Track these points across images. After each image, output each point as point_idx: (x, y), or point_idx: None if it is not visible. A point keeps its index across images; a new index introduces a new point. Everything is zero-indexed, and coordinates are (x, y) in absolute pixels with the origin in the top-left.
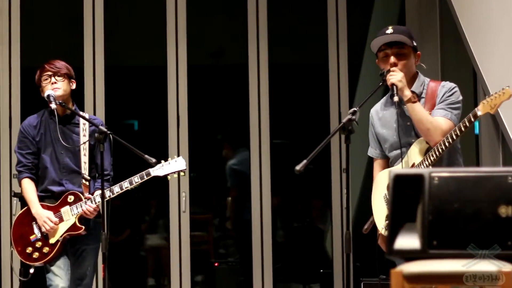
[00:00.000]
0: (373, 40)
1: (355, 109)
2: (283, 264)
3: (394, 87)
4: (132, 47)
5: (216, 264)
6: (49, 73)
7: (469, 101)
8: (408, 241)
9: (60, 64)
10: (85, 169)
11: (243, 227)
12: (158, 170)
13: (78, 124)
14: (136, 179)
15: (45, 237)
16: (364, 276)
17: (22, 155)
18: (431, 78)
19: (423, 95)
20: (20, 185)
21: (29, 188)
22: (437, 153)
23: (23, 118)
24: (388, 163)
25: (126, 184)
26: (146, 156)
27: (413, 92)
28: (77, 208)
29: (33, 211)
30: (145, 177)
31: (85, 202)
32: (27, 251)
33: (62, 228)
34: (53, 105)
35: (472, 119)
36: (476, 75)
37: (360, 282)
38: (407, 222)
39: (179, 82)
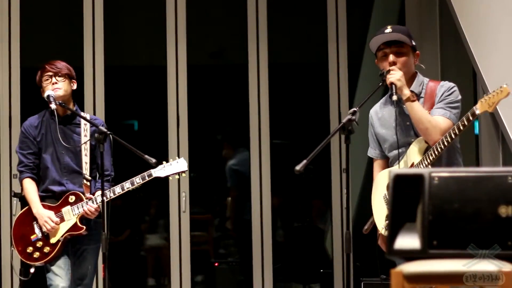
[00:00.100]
0: (372, 40)
1: (355, 109)
2: (283, 264)
3: (393, 86)
4: (132, 47)
5: (216, 264)
6: (50, 73)
7: (468, 100)
8: (408, 241)
9: (61, 65)
10: (86, 169)
11: (243, 227)
12: (160, 171)
13: (79, 124)
14: (138, 180)
15: (46, 237)
16: (364, 276)
17: (23, 155)
18: (430, 78)
19: (422, 94)
20: (21, 185)
21: (30, 188)
22: (436, 152)
23: (23, 118)
24: (388, 163)
25: (127, 185)
26: (146, 156)
27: (412, 91)
28: (78, 208)
29: (34, 211)
30: (146, 178)
31: (86, 203)
32: (28, 250)
33: (63, 228)
34: (53, 106)
35: (471, 118)
36: (475, 74)
37: (360, 282)
38: (407, 222)
39: (179, 82)
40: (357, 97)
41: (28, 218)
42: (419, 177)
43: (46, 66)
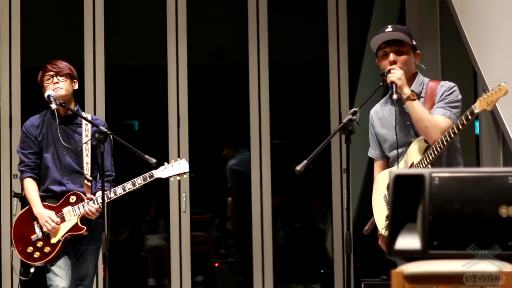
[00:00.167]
0: (372, 39)
1: (355, 109)
2: (283, 265)
3: (394, 85)
4: (132, 47)
5: (216, 265)
6: (52, 73)
7: (469, 100)
8: (408, 241)
9: (63, 64)
10: (87, 169)
11: (244, 227)
12: (161, 172)
13: (81, 124)
14: (139, 181)
15: (46, 237)
16: (365, 277)
17: (25, 155)
18: (431, 78)
19: (422, 94)
20: (22, 184)
21: (31, 188)
22: (435, 151)
23: (23, 118)
24: (388, 163)
25: (129, 186)
26: (146, 156)
27: (412, 91)
28: (79, 209)
29: (35, 210)
30: (148, 179)
31: (87, 203)
32: (28, 250)
33: (64, 228)
34: (53, 106)
35: (470, 116)
36: (476, 74)
37: (360, 282)
38: (408, 222)
39: (180, 82)
40: (358, 97)
41: (29, 218)
42: (419, 177)
43: (48, 66)
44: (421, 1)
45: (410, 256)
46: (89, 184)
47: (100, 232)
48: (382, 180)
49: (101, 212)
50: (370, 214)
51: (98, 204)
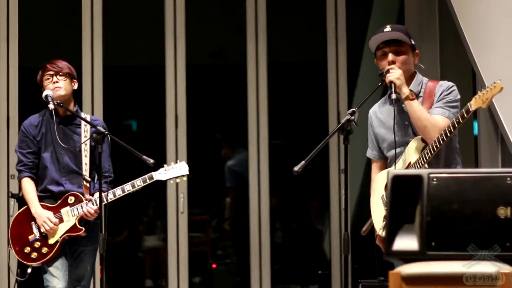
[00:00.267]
0: (371, 39)
1: (354, 109)
2: (281, 265)
3: (392, 84)
4: (130, 47)
5: (214, 266)
6: (51, 72)
7: (468, 100)
8: (406, 242)
9: (62, 64)
10: (86, 170)
11: (241, 228)
12: (161, 174)
13: (80, 125)
14: (139, 183)
15: (44, 237)
16: (363, 278)
17: (23, 154)
18: (430, 78)
19: (421, 94)
20: (20, 184)
21: (29, 187)
22: (432, 151)
23: (21, 118)
24: (385, 164)
25: (128, 187)
26: (144, 156)
27: (411, 90)
28: (77, 210)
29: (33, 210)
30: (147, 180)
31: (86, 204)
32: (26, 251)
33: (62, 229)
34: (51, 106)
35: (465, 115)
36: (475, 74)
37: (358, 283)
38: (406, 223)
39: (178, 82)
40: (356, 97)
41: (26, 218)
42: (417, 178)
43: (47, 65)
44: (420, 1)
45: (408, 257)
46: (88, 185)
47: (98, 233)
48: (380, 180)
49: (99, 213)
50: (368, 215)
51: (96, 205)
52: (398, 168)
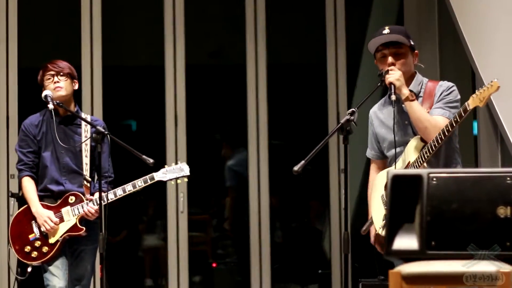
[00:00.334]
0: (370, 41)
1: (353, 109)
2: (281, 265)
3: (392, 86)
4: (130, 47)
5: (214, 265)
6: (52, 72)
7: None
8: (406, 241)
9: (63, 64)
10: (86, 170)
11: (241, 227)
12: (162, 175)
13: (80, 125)
14: (140, 183)
15: (44, 236)
16: (363, 277)
17: (23, 154)
18: (429, 77)
19: (421, 94)
20: (20, 183)
21: (29, 186)
22: (430, 150)
23: (20, 118)
24: (384, 164)
25: (129, 188)
26: (144, 156)
27: (411, 91)
28: (78, 209)
29: (33, 210)
30: (148, 181)
31: (87, 204)
32: (26, 250)
33: (62, 228)
34: (50, 106)
35: (463, 114)
36: (474, 74)
37: (358, 282)
38: (405, 222)
39: (177, 82)
40: (356, 97)
41: (27, 217)
42: (417, 178)
43: (48, 65)
44: (419, 1)
45: (408, 256)
46: (88, 185)
47: (98, 232)
48: (380, 180)
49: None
50: (368, 214)
51: (97, 205)
52: (398, 168)
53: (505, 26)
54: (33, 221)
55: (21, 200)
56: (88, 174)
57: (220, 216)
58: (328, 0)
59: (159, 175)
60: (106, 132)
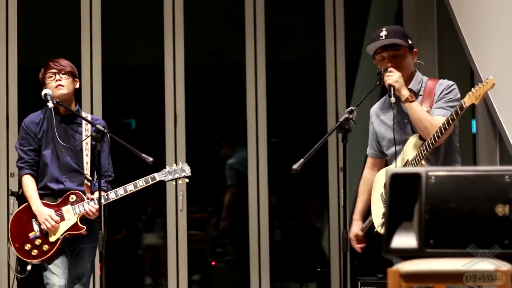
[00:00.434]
0: (368, 45)
1: (352, 108)
2: (280, 263)
3: (392, 88)
4: (129, 46)
5: (213, 263)
6: (54, 70)
7: None
8: (405, 240)
9: (65, 62)
10: (87, 169)
11: (241, 226)
12: (164, 175)
13: (81, 124)
14: (141, 183)
15: (45, 234)
16: (361, 275)
17: (24, 152)
18: (428, 76)
19: (421, 92)
20: (20, 181)
21: (30, 184)
22: (427, 148)
23: (20, 118)
24: (381, 162)
25: (130, 187)
26: (143, 155)
27: (410, 90)
28: (79, 208)
29: (34, 208)
30: (150, 181)
31: (88, 203)
32: (26, 248)
33: (63, 227)
34: (50, 104)
35: (459, 111)
36: (473, 73)
37: (357, 281)
38: (404, 221)
39: (177, 81)
40: (355, 96)
41: (27, 215)
42: (416, 176)
43: (50, 63)
44: (418, 0)
45: (407, 254)
46: (89, 184)
47: (97, 230)
48: (381, 178)
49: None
50: (367, 212)
51: (98, 204)
52: (397, 166)
53: (504, 25)
54: (33, 219)
55: (21, 198)
56: (88, 173)
57: (219, 214)
58: None
59: (160, 175)
60: (105, 131)
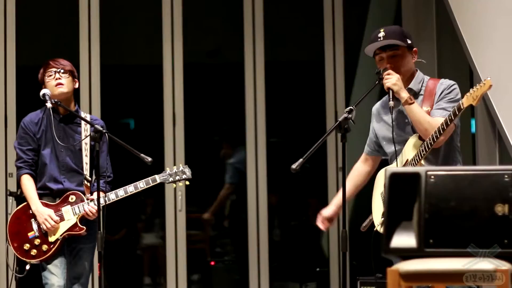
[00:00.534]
0: (366, 47)
1: (351, 107)
2: (279, 263)
3: (390, 91)
4: (128, 45)
5: (212, 263)
6: (54, 69)
7: None
8: (404, 239)
9: (65, 62)
10: (86, 169)
11: (240, 225)
12: (164, 177)
13: (81, 124)
14: (141, 185)
15: (44, 234)
16: (361, 275)
17: (23, 151)
18: (428, 76)
19: (422, 92)
20: (19, 181)
21: (29, 184)
22: (426, 148)
23: (18, 117)
24: (374, 160)
25: (131, 189)
26: (142, 155)
27: (411, 89)
28: (78, 208)
29: (33, 207)
30: (150, 183)
31: (88, 203)
32: (25, 247)
33: (63, 227)
34: (48, 104)
35: (457, 112)
36: (472, 73)
37: (356, 280)
38: (404, 220)
39: (175, 81)
40: (354, 95)
41: (26, 214)
42: (415, 176)
43: (50, 62)
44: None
45: (406, 254)
46: (89, 184)
47: (96, 230)
48: (381, 178)
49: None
50: (366, 212)
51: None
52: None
53: (502, 24)
54: (33, 219)
55: (19, 198)
56: (88, 174)
57: (218, 214)
58: None
59: (161, 177)
60: (104, 131)
